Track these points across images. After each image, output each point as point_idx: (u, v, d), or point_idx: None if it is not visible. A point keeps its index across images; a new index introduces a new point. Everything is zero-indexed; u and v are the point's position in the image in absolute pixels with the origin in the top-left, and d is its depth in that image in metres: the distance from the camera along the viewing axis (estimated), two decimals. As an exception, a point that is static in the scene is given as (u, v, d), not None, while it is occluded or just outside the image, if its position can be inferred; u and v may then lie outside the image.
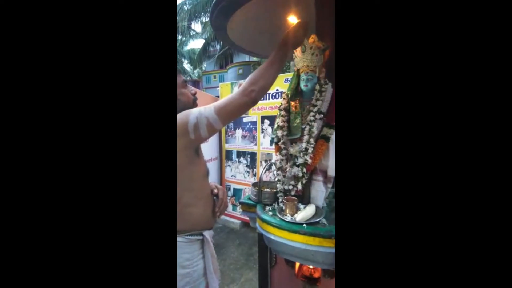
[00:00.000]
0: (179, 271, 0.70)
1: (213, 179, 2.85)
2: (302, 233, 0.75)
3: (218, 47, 8.53)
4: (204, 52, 8.58)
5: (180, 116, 0.67)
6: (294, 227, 0.77)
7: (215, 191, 0.85)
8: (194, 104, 0.80)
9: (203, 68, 10.67)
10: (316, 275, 0.98)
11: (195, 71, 11.33)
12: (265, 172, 1.08)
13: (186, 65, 11.23)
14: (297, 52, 0.92)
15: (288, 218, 0.81)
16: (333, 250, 0.72)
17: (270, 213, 0.88)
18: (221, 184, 2.94)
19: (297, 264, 1.00)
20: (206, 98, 2.64)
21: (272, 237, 0.81)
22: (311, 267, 0.99)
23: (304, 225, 0.77)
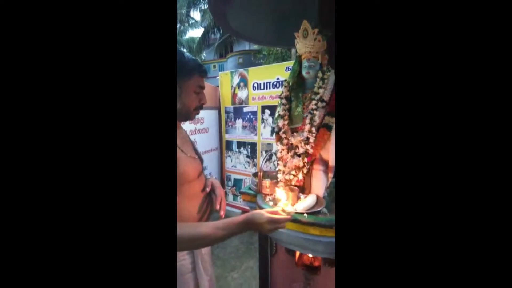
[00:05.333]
0: None
1: (213, 169, 2.85)
2: (303, 223, 0.75)
3: (217, 36, 8.37)
4: (204, 41, 8.43)
5: None
6: (295, 217, 0.77)
7: (208, 189, 0.80)
8: (195, 112, 0.75)
9: (203, 57, 10.51)
10: (316, 263, 0.98)
11: (195, 61, 11.16)
12: (265, 162, 1.07)
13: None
14: (299, 38, 0.89)
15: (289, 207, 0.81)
16: (334, 240, 0.72)
17: (271, 203, 0.88)
18: (221, 175, 2.95)
19: (297, 253, 1.01)
20: (206, 88, 2.60)
21: (273, 227, 0.81)
22: (311, 256, 0.99)
23: (305, 214, 0.77)
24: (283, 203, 0.68)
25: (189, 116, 0.75)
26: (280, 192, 0.75)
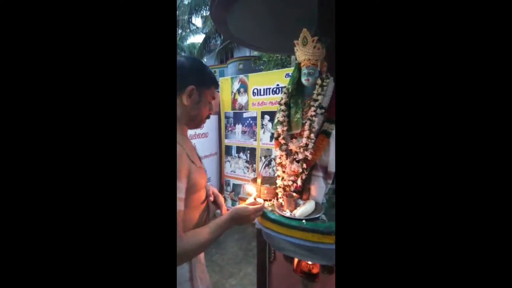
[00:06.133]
0: None
1: (212, 174, 2.85)
2: (301, 229, 0.74)
3: (218, 42, 8.46)
4: (205, 47, 8.51)
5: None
6: (293, 223, 0.76)
7: (211, 198, 0.83)
8: (205, 120, 0.78)
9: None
10: (315, 270, 0.97)
11: (195, 66, 11.24)
12: (264, 167, 1.07)
13: (186, 60, 11.13)
14: (299, 46, 0.90)
15: (287, 213, 0.81)
16: (332, 246, 0.71)
17: (270, 208, 0.88)
18: (220, 180, 2.94)
19: (296, 260, 1.00)
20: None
21: (271, 233, 0.81)
22: (309, 262, 0.99)
23: (304, 221, 0.76)
24: (254, 196, 0.83)
25: (200, 123, 0.77)
26: (250, 187, 0.89)
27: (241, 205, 0.75)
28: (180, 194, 0.62)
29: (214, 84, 0.75)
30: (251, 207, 0.73)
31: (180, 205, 0.62)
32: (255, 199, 0.80)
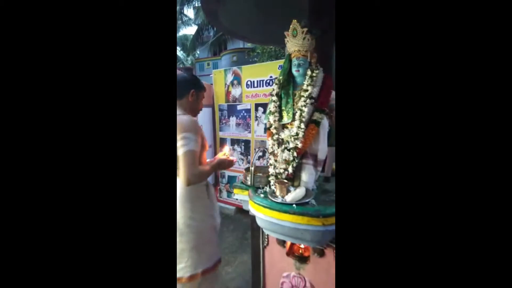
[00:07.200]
0: (202, 202, 1.08)
1: (207, 166, 2.87)
2: (291, 213, 0.79)
3: (211, 34, 8.32)
4: (197, 39, 8.37)
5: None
6: (284, 208, 0.80)
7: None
8: (199, 112, 1.17)
9: (196, 55, 10.44)
10: (306, 254, 1.03)
11: (188, 58, 11.09)
12: (258, 159, 1.11)
13: (179, 52, 10.97)
14: (289, 37, 0.92)
15: (279, 199, 0.85)
16: (321, 228, 0.76)
17: (262, 195, 0.91)
18: (215, 172, 2.96)
19: (288, 244, 1.05)
20: (200, 85, 2.60)
21: (263, 217, 0.85)
22: (302, 246, 1.03)
23: (294, 205, 0.80)
24: (224, 153, 1.19)
25: (197, 113, 1.16)
26: (226, 148, 1.24)
27: (223, 157, 1.17)
28: (197, 144, 0.98)
29: (203, 89, 1.15)
30: (229, 158, 1.18)
31: (197, 148, 0.97)
32: (228, 156, 1.19)
